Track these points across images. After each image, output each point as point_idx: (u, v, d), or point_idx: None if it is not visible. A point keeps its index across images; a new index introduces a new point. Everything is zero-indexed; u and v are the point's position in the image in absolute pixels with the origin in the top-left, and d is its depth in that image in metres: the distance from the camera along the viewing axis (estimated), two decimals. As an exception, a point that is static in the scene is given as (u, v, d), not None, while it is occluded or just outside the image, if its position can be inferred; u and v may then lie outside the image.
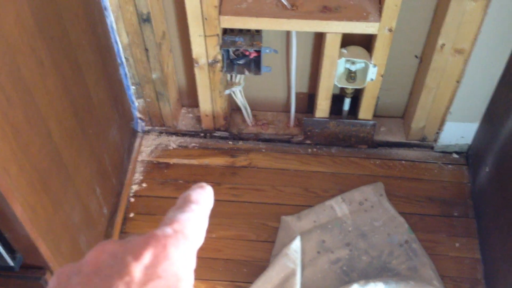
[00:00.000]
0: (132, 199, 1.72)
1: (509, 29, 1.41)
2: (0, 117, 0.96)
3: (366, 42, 1.59)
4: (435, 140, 1.79)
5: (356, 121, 1.77)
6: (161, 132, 1.89)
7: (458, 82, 1.58)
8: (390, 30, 1.48)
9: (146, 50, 1.61)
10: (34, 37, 1.09)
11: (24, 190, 1.04)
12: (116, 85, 1.62)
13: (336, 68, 1.61)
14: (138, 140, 1.85)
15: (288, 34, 1.63)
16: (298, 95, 1.83)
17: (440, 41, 1.48)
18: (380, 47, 1.53)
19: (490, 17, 1.39)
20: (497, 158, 1.54)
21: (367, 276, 1.49)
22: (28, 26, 1.06)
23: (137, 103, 1.79)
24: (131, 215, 1.68)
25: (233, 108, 1.90)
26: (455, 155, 1.80)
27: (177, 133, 1.89)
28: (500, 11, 1.37)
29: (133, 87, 1.73)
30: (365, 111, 1.74)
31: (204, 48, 1.58)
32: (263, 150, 1.85)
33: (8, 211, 0.99)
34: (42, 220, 1.11)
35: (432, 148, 1.81)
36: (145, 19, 1.52)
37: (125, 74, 1.67)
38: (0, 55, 0.97)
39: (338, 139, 1.83)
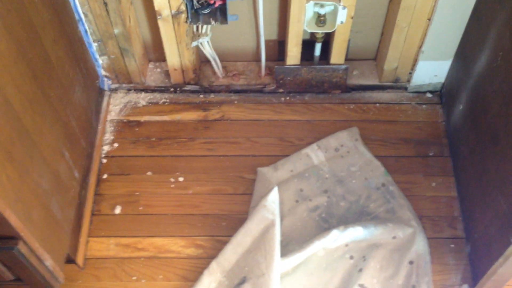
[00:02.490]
0: (104, 160, 1.68)
1: (480, -39, 1.37)
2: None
3: (334, -17, 1.54)
4: (408, 81, 1.77)
5: (328, 66, 1.74)
6: (129, 89, 1.83)
7: (429, 19, 1.55)
8: (358, -31, 1.42)
9: (105, 3, 1.53)
10: (-21, -2, 1.02)
11: (-15, 161, 1.00)
12: (77, 43, 1.54)
13: (304, 13, 1.55)
14: (105, 99, 1.79)
15: (253, -21, 1.57)
16: (267, 42, 1.78)
17: (409, -22, 1.44)
18: (349, -12, 1.48)
19: (460, -51, 1.35)
20: (470, 95, 1.53)
21: (346, 222, 1.49)
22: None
23: (101, 61, 1.72)
24: (105, 176, 1.65)
25: (202, 60, 1.84)
26: (428, 95, 1.79)
27: (146, 90, 1.83)
28: None
29: (95, 44, 1.65)
30: (337, 55, 1.71)
31: (166, -2, 1.51)
32: (236, 102, 1.81)
33: (-30, 183, 0.95)
34: (8, 191, 1.07)
35: (405, 89, 1.79)
36: (101, -29, 1.44)
37: (85, 31, 1.59)
38: None
39: (311, 86, 1.80)
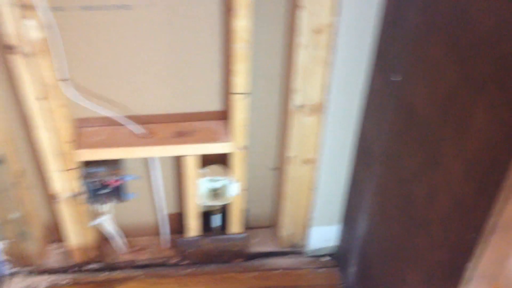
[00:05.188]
0: None
1: (346, 135, 1.55)
2: None
3: (226, 160, 1.67)
4: (305, 246, 1.85)
5: (226, 236, 1.80)
6: (30, 272, 1.79)
7: (312, 189, 1.68)
8: (242, 148, 1.56)
9: (2, 191, 1.56)
10: None
11: None
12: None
13: (197, 188, 1.65)
14: (2, 285, 1.74)
15: (147, 159, 1.68)
16: (171, 216, 1.85)
17: (290, 153, 1.59)
18: (237, 164, 1.61)
19: (328, 128, 1.53)
20: (359, 257, 1.62)
21: None
22: None
23: (-2, 246, 1.71)
24: None
25: (106, 237, 1.86)
26: (326, 258, 1.86)
27: (47, 271, 1.80)
28: (334, 123, 1.51)
29: (-8, 230, 1.65)
30: (235, 225, 1.78)
31: (64, 182, 1.57)
32: (140, 277, 1.81)
33: None
34: None
35: (304, 253, 1.87)
36: (-2, 161, 1.50)
37: (-19, 218, 1.60)
38: None
39: (214, 256, 1.84)
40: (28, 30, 1.26)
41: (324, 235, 1.80)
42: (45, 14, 1.27)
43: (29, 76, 1.33)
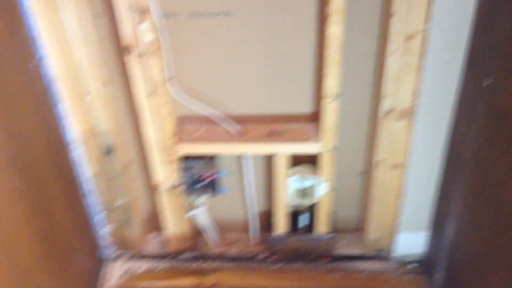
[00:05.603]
0: (98, 325, 1.74)
1: (436, 140, 1.55)
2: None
3: (315, 161, 1.73)
4: (392, 251, 1.85)
5: (314, 236, 1.85)
6: (129, 257, 1.96)
7: (400, 194, 1.69)
8: (331, 149, 1.62)
9: (111, 179, 1.73)
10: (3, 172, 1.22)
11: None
12: (82, 214, 1.72)
13: (287, 186, 1.72)
14: (106, 267, 1.91)
15: (241, 156, 1.78)
16: (260, 213, 1.93)
17: (377, 158, 1.62)
18: (326, 165, 1.66)
19: (418, 132, 1.54)
20: (446, 263, 1.60)
21: None
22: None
23: (104, 230, 1.88)
24: None
25: (199, 228, 1.99)
26: (412, 264, 1.85)
27: (145, 257, 1.95)
28: (424, 128, 1.52)
29: (100, 215, 1.83)
30: (321, 225, 1.83)
31: (165, 174, 1.71)
32: (229, 269, 1.90)
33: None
34: None
35: (390, 258, 1.87)
36: (109, 151, 1.67)
37: (92, 203, 1.78)
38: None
39: (300, 255, 1.90)
40: (143, 33, 1.40)
41: (411, 241, 1.80)
42: (158, 19, 1.42)
43: (141, 75, 1.48)
